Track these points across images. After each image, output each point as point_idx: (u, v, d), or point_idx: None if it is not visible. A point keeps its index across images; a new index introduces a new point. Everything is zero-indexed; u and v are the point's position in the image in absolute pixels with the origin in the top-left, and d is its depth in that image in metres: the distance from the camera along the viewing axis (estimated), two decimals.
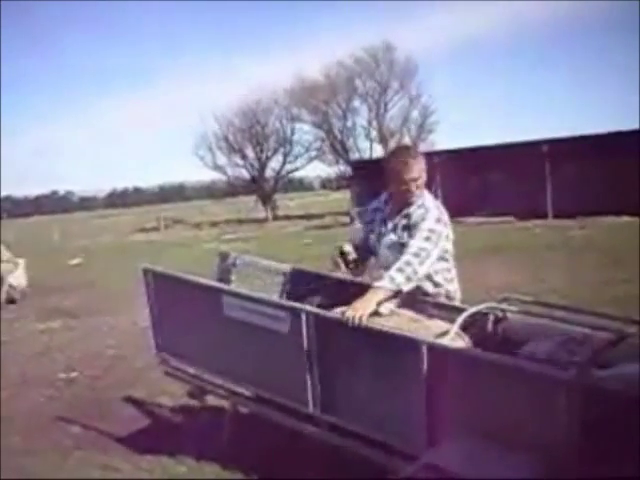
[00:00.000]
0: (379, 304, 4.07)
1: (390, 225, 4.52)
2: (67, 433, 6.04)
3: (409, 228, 4.37)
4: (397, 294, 4.15)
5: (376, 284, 4.14)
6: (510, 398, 3.36)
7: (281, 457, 4.89)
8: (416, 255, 4.18)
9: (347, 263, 4.69)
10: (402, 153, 4.62)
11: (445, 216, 4.43)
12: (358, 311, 3.96)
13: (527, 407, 3.29)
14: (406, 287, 4.14)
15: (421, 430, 3.65)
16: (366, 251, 4.71)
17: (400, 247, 4.35)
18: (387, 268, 4.32)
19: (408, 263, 4.16)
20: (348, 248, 4.70)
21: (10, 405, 6.83)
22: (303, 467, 4.69)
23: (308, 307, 4.25)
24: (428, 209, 4.37)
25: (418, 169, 4.41)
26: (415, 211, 4.39)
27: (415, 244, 4.23)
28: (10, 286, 14.36)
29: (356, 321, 3.93)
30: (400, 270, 4.14)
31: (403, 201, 4.47)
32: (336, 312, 4.14)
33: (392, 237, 4.48)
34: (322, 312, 4.16)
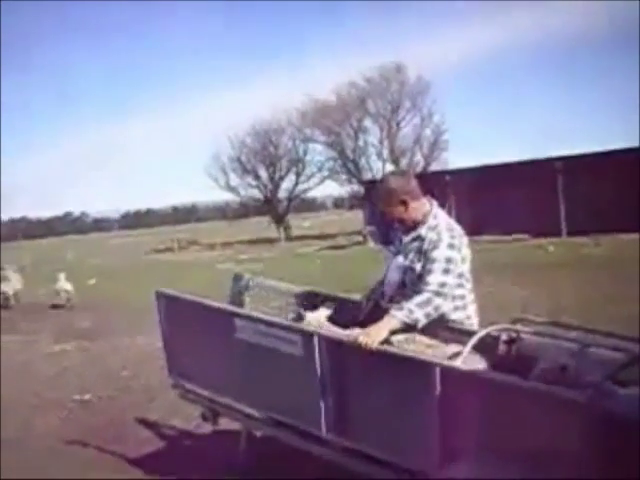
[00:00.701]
0: (392, 333, 4.04)
1: (402, 245, 4.47)
2: (80, 455, 6.04)
3: (420, 252, 4.30)
4: (412, 326, 4.09)
5: (393, 312, 4.10)
6: (524, 419, 3.35)
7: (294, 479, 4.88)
8: (438, 294, 4.12)
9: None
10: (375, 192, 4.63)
11: (459, 239, 4.31)
12: (370, 337, 3.95)
13: (541, 428, 3.28)
14: (422, 324, 4.09)
15: (434, 452, 3.64)
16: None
17: (409, 271, 4.32)
18: (391, 289, 4.34)
19: (430, 301, 4.09)
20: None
21: (24, 426, 6.83)
22: None
23: (321, 331, 4.25)
24: (440, 234, 4.27)
25: (382, 207, 4.46)
26: (427, 234, 4.31)
27: (435, 280, 4.14)
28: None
29: (368, 346, 3.91)
30: (420, 306, 4.08)
31: (403, 225, 4.48)
32: (348, 334, 4.15)
33: (400, 259, 4.43)
34: (335, 335, 4.16)
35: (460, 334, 4.20)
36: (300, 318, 4.49)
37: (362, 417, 4.06)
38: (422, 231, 4.35)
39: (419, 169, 46.54)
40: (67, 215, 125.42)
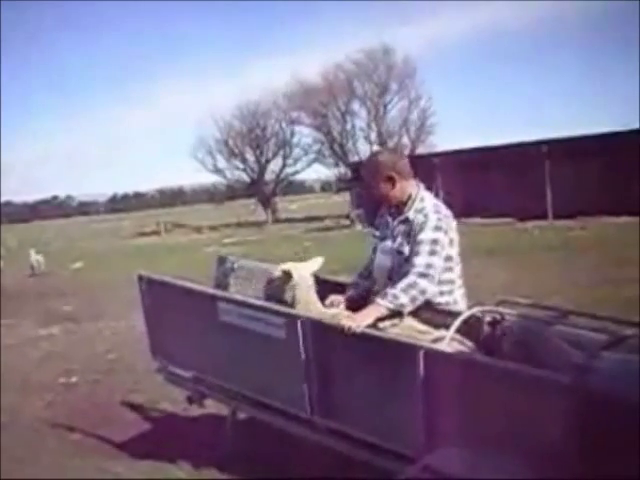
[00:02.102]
0: (379, 320, 4.02)
1: (389, 228, 4.42)
2: (67, 438, 6.04)
3: (409, 235, 4.23)
4: (399, 313, 4.06)
5: (378, 300, 4.06)
6: (507, 401, 3.36)
7: (280, 461, 4.88)
8: (423, 275, 4.05)
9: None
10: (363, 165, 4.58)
11: (446, 221, 4.23)
12: (355, 322, 3.93)
13: (524, 411, 3.29)
14: (410, 307, 4.04)
15: (419, 433, 3.64)
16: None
17: (397, 255, 4.27)
18: (381, 274, 4.32)
19: (414, 284, 4.03)
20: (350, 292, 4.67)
21: (10, 411, 6.82)
22: (302, 471, 4.69)
23: (305, 314, 4.23)
24: (427, 216, 4.19)
25: (366, 180, 4.41)
26: (415, 217, 4.24)
27: (421, 261, 4.08)
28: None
29: (351, 330, 3.89)
30: (405, 291, 4.02)
31: (387, 205, 4.46)
32: (333, 314, 4.16)
33: (389, 243, 4.37)
34: (318, 318, 4.15)
35: (445, 316, 4.20)
36: (288, 276, 4.39)
37: (347, 399, 4.06)
38: (410, 214, 4.28)
39: (406, 152, 46.53)
40: (53, 199, 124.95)
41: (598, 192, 25.49)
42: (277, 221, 48.90)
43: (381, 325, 4.04)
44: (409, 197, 4.34)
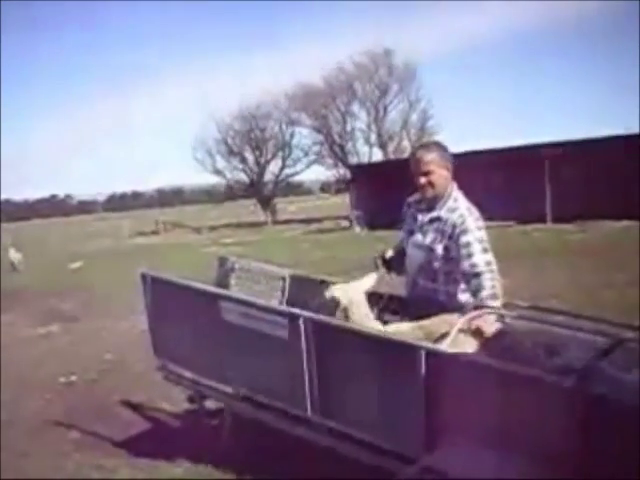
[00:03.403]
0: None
1: (418, 223, 4.48)
2: (66, 436, 6.04)
3: (442, 234, 4.30)
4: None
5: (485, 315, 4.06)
6: (508, 403, 3.36)
7: (279, 461, 4.88)
8: (490, 272, 4.17)
9: (386, 266, 4.69)
10: (418, 148, 4.61)
11: (480, 221, 4.32)
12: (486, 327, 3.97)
13: (525, 412, 3.30)
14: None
15: (420, 434, 3.65)
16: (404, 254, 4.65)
17: (429, 251, 4.33)
18: (412, 268, 4.41)
19: (492, 278, 4.16)
20: (389, 253, 4.71)
21: (9, 409, 6.82)
22: (301, 471, 4.69)
23: (306, 313, 4.24)
24: (464, 217, 4.26)
25: (428, 163, 4.36)
26: (449, 217, 4.30)
27: (479, 260, 4.17)
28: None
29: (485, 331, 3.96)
30: (493, 287, 4.14)
31: (425, 197, 4.45)
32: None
33: (419, 237, 4.43)
34: (321, 318, 4.16)
35: (446, 314, 4.21)
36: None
37: (348, 399, 4.07)
38: (442, 213, 4.35)
39: (406, 154, 46.58)
40: (52, 197, 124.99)
41: (598, 196, 25.46)
42: (276, 222, 48.89)
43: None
44: (446, 195, 4.41)
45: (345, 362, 4.06)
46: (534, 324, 4.16)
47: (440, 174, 4.37)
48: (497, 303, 4.10)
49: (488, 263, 4.17)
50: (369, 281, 4.49)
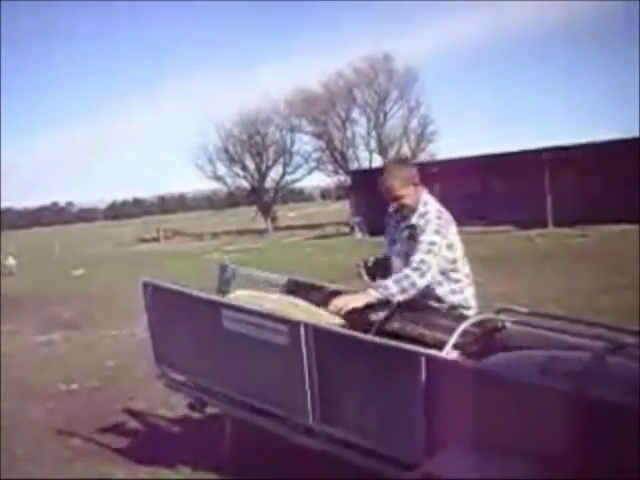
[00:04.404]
0: (369, 307, 4.23)
1: (398, 233, 4.62)
2: (67, 444, 6.05)
3: (414, 239, 4.40)
4: (388, 302, 4.24)
5: (370, 289, 4.25)
6: (508, 408, 3.37)
7: (280, 469, 4.89)
8: (416, 269, 4.24)
9: (370, 274, 4.74)
10: (382, 176, 4.64)
11: (446, 227, 4.42)
12: (341, 302, 4.20)
13: (524, 418, 3.31)
14: (400, 298, 4.21)
15: (420, 440, 3.66)
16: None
17: (407, 258, 4.40)
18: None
19: (406, 276, 4.23)
20: (372, 260, 4.76)
21: (11, 417, 6.83)
22: (301, 477, 4.70)
23: (306, 319, 4.25)
24: (428, 221, 4.39)
25: (393, 190, 4.50)
26: (418, 222, 4.43)
27: (416, 258, 4.27)
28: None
29: (339, 309, 4.18)
30: (397, 282, 4.22)
31: (400, 209, 4.58)
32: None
33: (399, 246, 4.57)
34: (321, 325, 4.17)
35: (446, 319, 4.22)
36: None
37: (349, 406, 4.07)
38: (414, 219, 4.47)
39: None
40: (53, 205, 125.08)
41: (598, 200, 25.51)
42: (277, 229, 48.96)
43: (373, 316, 4.25)
44: (415, 201, 4.52)
45: (345, 369, 4.06)
46: (532, 329, 4.17)
47: (407, 194, 4.50)
48: (382, 294, 4.19)
49: (421, 261, 4.26)
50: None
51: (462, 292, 4.51)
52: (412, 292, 4.24)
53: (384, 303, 4.26)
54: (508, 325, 4.24)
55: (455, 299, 4.47)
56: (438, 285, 4.42)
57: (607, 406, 3.12)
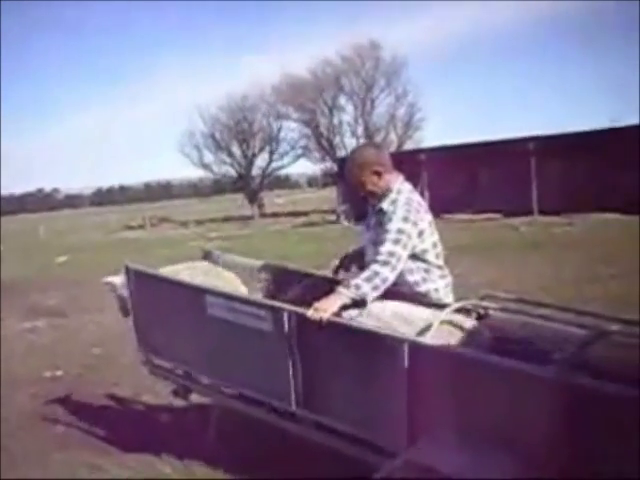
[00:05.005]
0: (343, 308, 4.06)
1: (369, 219, 4.49)
2: (51, 431, 6.03)
3: (381, 225, 4.26)
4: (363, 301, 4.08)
5: (340, 289, 4.09)
6: (490, 395, 3.38)
7: (265, 455, 4.90)
8: (385, 263, 4.08)
9: (343, 266, 4.72)
10: (347, 164, 4.56)
11: (415, 213, 4.24)
12: (319, 312, 3.98)
13: (507, 404, 3.31)
14: (372, 296, 4.07)
15: (402, 427, 3.66)
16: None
17: (373, 246, 4.29)
18: (368, 263, 4.29)
19: (376, 273, 4.07)
20: (347, 254, 4.74)
21: None
22: (286, 465, 4.70)
23: (290, 306, 4.24)
24: (396, 207, 4.24)
25: (355, 178, 4.41)
26: (388, 208, 4.28)
27: (384, 250, 4.12)
28: None
29: (315, 319, 3.96)
30: (367, 280, 4.06)
31: (372, 199, 4.46)
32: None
33: (369, 234, 4.42)
34: (304, 311, 4.15)
35: (426, 308, 4.21)
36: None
37: (332, 393, 4.08)
38: (384, 205, 4.32)
39: (393, 148, 46.67)
40: (39, 192, 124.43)
41: (584, 189, 25.61)
42: (263, 216, 48.83)
43: (345, 314, 4.08)
44: (388, 189, 4.37)
45: (329, 355, 4.07)
46: (518, 316, 4.18)
47: (370, 180, 4.37)
48: (354, 294, 4.04)
49: (390, 254, 4.10)
50: None
51: (433, 282, 4.34)
52: (384, 287, 4.10)
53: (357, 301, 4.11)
54: (492, 312, 4.26)
55: (423, 289, 4.31)
56: (408, 272, 4.26)
57: (590, 393, 3.13)
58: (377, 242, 4.22)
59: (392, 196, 4.33)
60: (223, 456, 4.97)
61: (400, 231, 4.15)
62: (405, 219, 4.19)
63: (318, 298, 4.15)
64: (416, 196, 4.42)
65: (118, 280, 5.39)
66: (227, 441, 5.13)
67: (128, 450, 5.41)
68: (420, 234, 4.25)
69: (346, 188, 34.43)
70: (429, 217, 4.38)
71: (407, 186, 4.44)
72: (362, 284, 4.07)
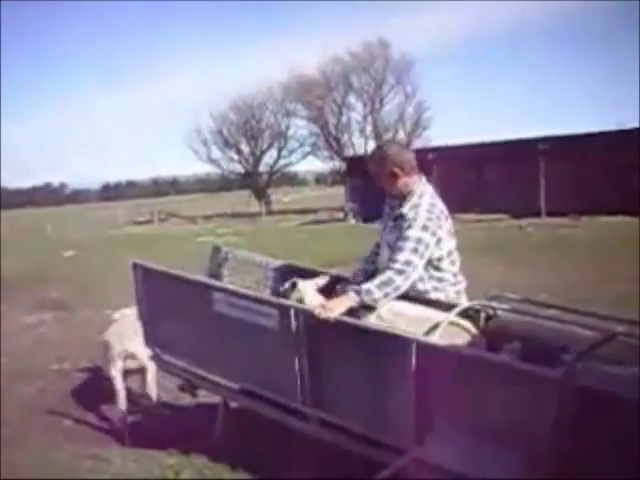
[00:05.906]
0: (350, 309, 4.05)
1: (389, 222, 4.42)
2: (58, 425, 6.04)
3: (401, 230, 4.19)
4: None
5: (351, 294, 4.07)
6: (498, 395, 3.38)
7: (270, 451, 4.90)
8: (400, 272, 4.05)
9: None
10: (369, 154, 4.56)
11: (436, 221, 4.18)
12: (327, 311, 3.98)
13: (514, 404, 3.32)
14: (382, 302, 4.05)
15: (410, 426, 3.67)
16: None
17: (390, 249, 4.26)
18: (382, 264, 4.31)
19: (390, 281, 4.04)
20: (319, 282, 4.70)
21: (2, 397, 6.82)
22: (292, 461, 4.71)
23: (297, 304, 4.25)
24: (418, 213, 4.18)
25: (372, 168, 4.41)
26: (408, 213, 4.21)
27: (401, 258, 4.08)
28: None
29: (322, 318, 3.96)
30: (380, 287, 4.04)
31: (391, 196, 4.44)
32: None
33: (387, 236, 4.37)
34: (311, 309, 4.15)
35: (434, 308, 4.21)
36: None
37: (339, 390, 4.08)
38: (405, 210, 4.25)
39: None
40: (47, 186, 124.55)
41: (592, 190, 25.55)
42: (270, 213, 48.90)
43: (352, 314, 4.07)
44: (410, 192, 4.32)
45: (336, 353, 4.07)
46: (525, 317, 4.18)
47: (387, 181, 4.35)
48: (365, 298, 4.02)
49: (407, 263, 4.07)
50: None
51: (443, 290, 4.30)
52: (395, 295, 4.08)
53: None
54: (500, 313, 4.25)
55: (434, 296, 4.27)
56: (420, 281, 4.23)
57: (595, 395, 3.14)
58: (394, 247, 4.18)
59: (414, 200, 4.27)
60: (230, 450, 4.98)
61: (419, 240, 4.10)
62: (425, 228, 4.14)
63: (328, 297, 4.17)
64: (438, 201, 4.34)
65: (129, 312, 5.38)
66: (233, 437, 5.14)
67: (133, 443, 5.44)
68: (438, 242, 4.20)
69: (354, 187, 34.46)
70: (449, 224, 4.32)
71: (429, 189, 4.37)
72: (374, 290, 4.04)
